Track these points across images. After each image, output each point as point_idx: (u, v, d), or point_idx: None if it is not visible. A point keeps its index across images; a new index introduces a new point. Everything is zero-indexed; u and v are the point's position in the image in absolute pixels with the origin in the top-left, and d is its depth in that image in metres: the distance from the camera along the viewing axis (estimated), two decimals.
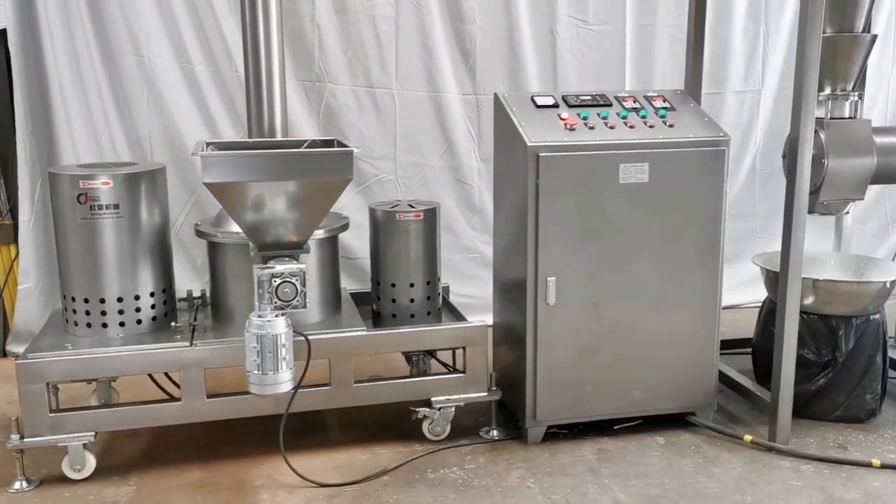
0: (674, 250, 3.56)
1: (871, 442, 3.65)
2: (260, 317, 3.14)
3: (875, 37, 3.75)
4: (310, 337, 3.34)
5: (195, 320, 3.59)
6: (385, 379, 3.73)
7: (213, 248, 3.61)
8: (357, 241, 5.01)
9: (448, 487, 3.29)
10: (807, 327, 3.77)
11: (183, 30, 4.83)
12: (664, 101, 3.74)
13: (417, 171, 5.26)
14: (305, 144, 3.64)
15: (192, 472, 3.42)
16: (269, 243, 3.30)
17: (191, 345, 3.34)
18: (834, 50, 3.68)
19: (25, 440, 3.21)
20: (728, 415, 3.92)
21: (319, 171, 3.23)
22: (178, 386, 3.44)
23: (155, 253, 3.51)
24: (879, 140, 3.76)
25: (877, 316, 3.83)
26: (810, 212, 3.67)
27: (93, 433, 3.28)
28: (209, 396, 3.37)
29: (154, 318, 3.52)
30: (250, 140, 3.72)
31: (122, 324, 3.45)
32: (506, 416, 3.82)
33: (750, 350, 4.24)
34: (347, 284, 4.75)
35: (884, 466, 3.41)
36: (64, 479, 3.31)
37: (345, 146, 3.36)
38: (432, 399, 3.59)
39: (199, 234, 3.63)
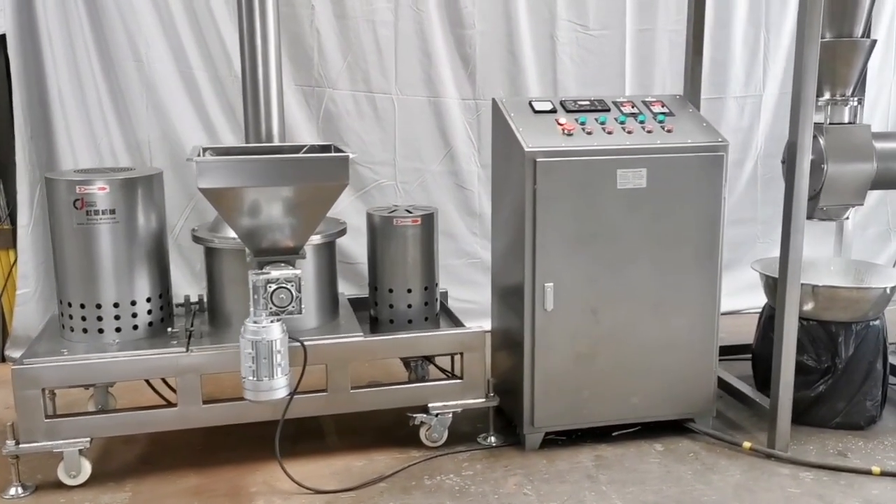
0: (672, 256, 3.55)
1: (871, 449, 3.63)
2: (255, 322, 3.13)
3: (874, 42, 3.73)
4: (306, 343, 3.33)
5: (192, 326, 3.58)
6: (382, 385, 3.72)
7: (210, 254, 3.61)
8: (356, 246, 4.99)
9: (445, 494, 3.28)
10: (806, 333, 3.76)
11: (182, 35, 4.83)
12: (663, 107, 3.73)
13: (417, 176, 5.25)
14: (304, 150, 3.63)
15: (188, 479, 3.41)
16: (264, 249, 3.29)
17: (187, 350, 3.33)
18: (833, 55, 3.66)
19: (21, 446, 3.21)
20: (727, 421, 3.90)
21: (315, 177, 3.22)
22: (175, 391, 3.43)
23: (151, 258, 3.51)
24: (879, 145, 3.74)
25: (877, 322, 3.81)
26: (810, 217, 3.66)
27: (88, 439, 3.27)
28: (205, 402, 3.36)
29: (150, 324, 3.51)
30: (248, 145, 3.71)
31: (118, 329, 3.44)
32: (504, 422, 3.80)
33: (750, 356, 4.22)
34: (347, 289, 4.77)
35: (884, 474, 3.38)
36: (59, 485, 3.30)
37: (341, 151, 3.35)
38: (429, 405, 3.58)
39: (196, 239, 3.62)
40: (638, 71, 5.39)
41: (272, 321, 3.15)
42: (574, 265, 3.47)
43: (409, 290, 3.72)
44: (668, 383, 3.66)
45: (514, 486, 3.35)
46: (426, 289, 3.75)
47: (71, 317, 3.44)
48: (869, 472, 3.39)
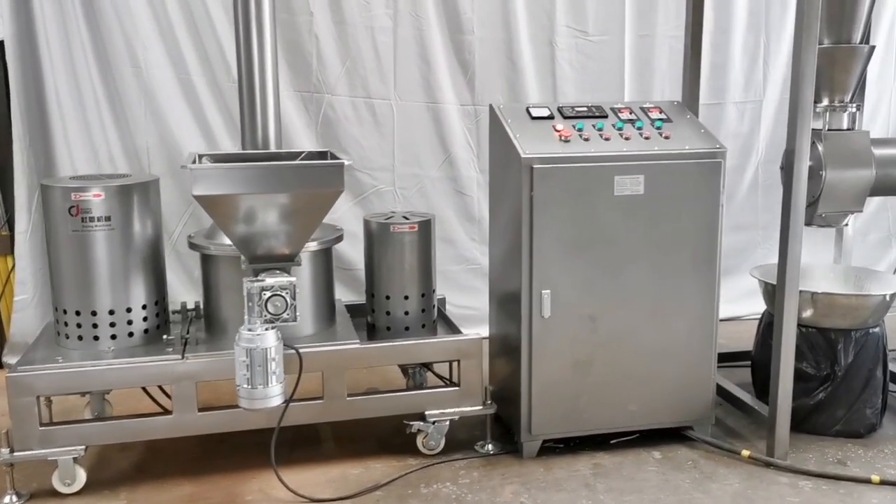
0: (670, 263, 3.53)
1: (871, 457, 3.60)
2: (250, 330, 3.12)
3: (873, 48, 3.71)
4: (302, 350, 3.32)
5: (188, 333, 3.57)
6: (379, 392, 3.70)
7: (206, 261, 3.59)
8: (354, 252, 4.99)
9: (441, 502, 3.26)
10: (805, 340, 3.74)
11: (180, 41, 4.83)
12: (660, 113, 3.71)
13: (416, 182, 5.25)
14: (302, 156, 3.62)
15: (183, 487, 3.40)
16: (260, 256, 3.28)
17: (182, 358, 3.32)
18: (832, 61, 3.65)
19: (15, 454, 3.19)
20: (726, 429, 3.88)
21: (309, 184, 3.20)
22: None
23: (147, 265, 3.49)
24: (878, 152, 3.73)
25: (876, 329, 3.78)
26: (808, 224, 3.64)
27: (83, 447, 3.26)
28: (201, 410, 3.34)
29: (146, 331, 3.50)
30: (244, 152, 3.70)
31: (113, 336, 3.42)
32: (502, 429, 3.78)
33: (749, 363, 4.19)
34: (345, 295, 4.76)
35: (883, 483, 3.35)
36: (54, 494, 3.29)
37: (336, 158, 3.34)
38: (426, 413, 3.56)
39: (192, 246, 3.61)
40: (637, 77, 5.38)
41: (267, 329, 3.13)
42: (571, 272, 3.46)
43: (407, 297, 3.71)
44: (666, 391, 3.64)
45: (510, 494, 3.33)
46: (423, 295, 3.74)
47: (66, 324, 3.43)
48: (868, 481, 3.37)
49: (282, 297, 3.14)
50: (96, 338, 3.41)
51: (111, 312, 3.41)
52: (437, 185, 5.28)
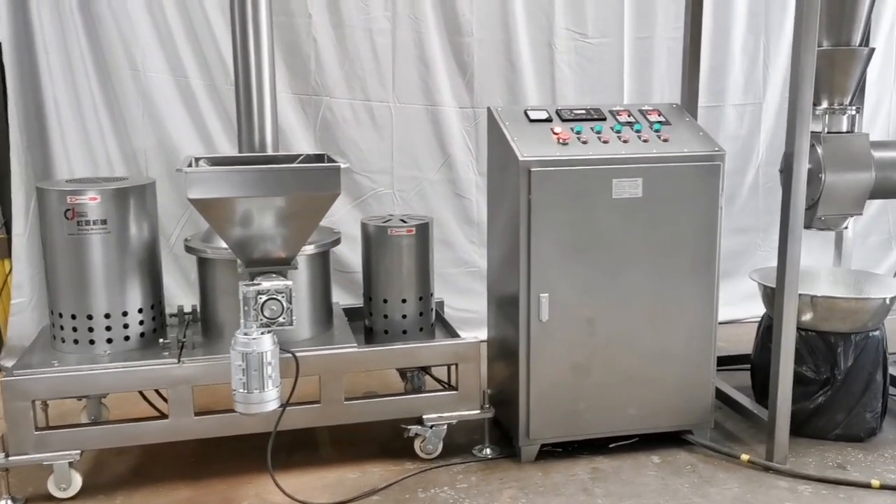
0: (669, 266, 3.51)
1: (871, 462, 3.58)
2: (245, 334, 3.10)
3: (873, 50, 3.70)
4: (299, 354, 3.30)
5: (184, 337, 3.55)
6: (377, 396, 3.69)
7: (203, 264, 3.58)
8: (353, 255, 4.96)
9: None
10: (805, 344, 3.72)
11: (179, 44, 4.82)
12: (659, 116, 3.70)
13: (415, 184, 5.23)
14: (299, 159, 3.61)
15: (179, 491, 3.38)
16: (256, 259, 3.27)
17: (178, 362, 3.30)
18: (831, 63, 3.63)
19: (10, 458, 3.18)
20: (725, 433, 3.86)
21: (305, 187, 3.18)
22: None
23: (144, 269, 3.48)
24: (878, 154, 3.71)
25: (876, 332, 3.76)
26: (808, 227, 3.62)
27: (78, 451, 3.24)
28: (197, 414, 3.33)
29: (142, 335, 3.49)
30: (241, 155, 3.69)
31: (109, 340, 3.41)
32: (500, 433, 3.77)
33: (749, 366, 4.18)
34: (343, 298, 4.75)
35: (883, 487, 3.34)
36: (50, 498, 3.27)
37: (333, 161, 3.33)
38: (424, 417, 3.55)
39: (189, 249, 3.60)
40: (636, 79, 5.36)
41: (263, 333, 3.12)
42: (570, 275, 3.44)
43: (404, 301, 3.69)
44: (665, 394, 3.62)
45: (508, 498, 3.31)
46: (421, 299, 3.72)
47: (62, 327, 3.42)
48: (868, 486, 3.35)
49: (278, 300, 3.12)
50: (92, 341, 3.40)
51: (107, 316, 3.40)
52: (435, 187, 5.26)
